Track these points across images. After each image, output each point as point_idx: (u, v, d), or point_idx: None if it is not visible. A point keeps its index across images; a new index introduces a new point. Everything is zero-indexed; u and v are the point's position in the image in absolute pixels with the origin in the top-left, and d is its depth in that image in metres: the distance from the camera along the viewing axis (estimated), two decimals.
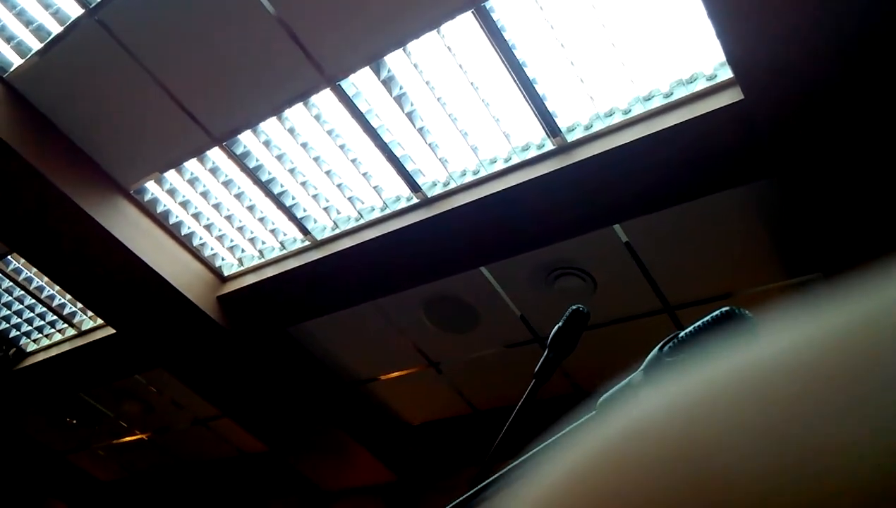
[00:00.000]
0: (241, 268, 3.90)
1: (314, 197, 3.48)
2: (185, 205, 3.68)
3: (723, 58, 2.50)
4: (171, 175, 3.55)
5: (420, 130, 3.08)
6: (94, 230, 3.48)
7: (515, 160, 3.02)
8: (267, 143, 3.31)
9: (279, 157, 3.36)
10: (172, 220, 3.74)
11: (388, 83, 2.95)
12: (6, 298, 4.73)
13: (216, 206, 3.67)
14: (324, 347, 4.19)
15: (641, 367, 0.73)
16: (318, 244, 3.63)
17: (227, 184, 3.53)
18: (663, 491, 0.18)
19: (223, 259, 3.95)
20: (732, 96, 2.51)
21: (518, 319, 3.64)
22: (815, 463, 0.16)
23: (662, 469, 0.18)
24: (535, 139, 2.98)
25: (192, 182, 3.56)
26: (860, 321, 0.18)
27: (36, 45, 3.12)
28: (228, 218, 3.72)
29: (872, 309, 0.18)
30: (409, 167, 3.20)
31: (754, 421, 0.17)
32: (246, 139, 3.32)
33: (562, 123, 2.87)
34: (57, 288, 4.51)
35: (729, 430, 0.18)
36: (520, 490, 0.23)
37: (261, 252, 3.84)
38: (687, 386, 0.20)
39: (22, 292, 4.62)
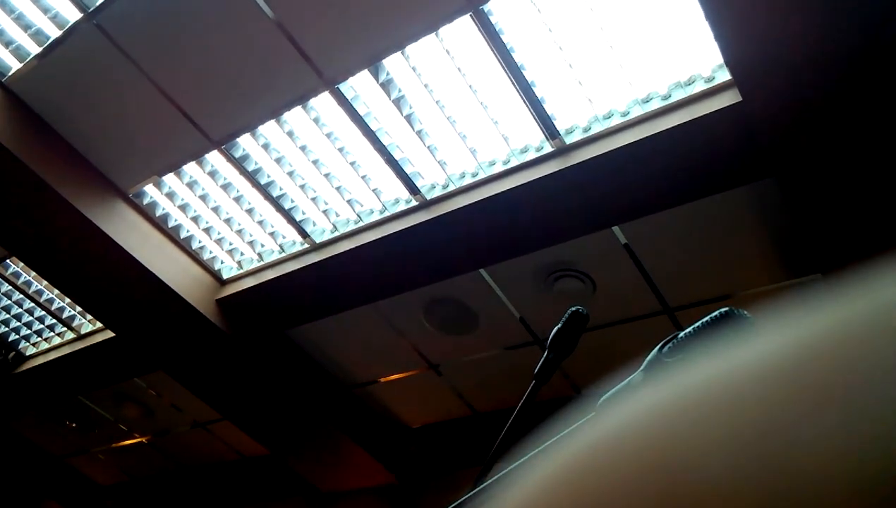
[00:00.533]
0: (241, 271, 3.90)
1: (313, 199, 3.48)
2: (183, 208, 3.68)
3: (721, 60, 2.50)
4: (169, 178, 3.55)
5: (419, 133, 3.08)
6: (93, 233, 3.48)
7: (514, 162, 3.02)
8: (266, 146, 3.31)
9: (278, 160, 3.36)
10: (171, 223, 3.74)
11: (386, 86, 2.95)
12: (5, 302, 4.73)
13: (215, 209, 3.66)
14: (323, 350, 4.19)
15: (641, 368, 0.74)
16: (317, 247, 3.63)
17: (225, 187, 3.53)
18: (660, 493, 0.18)
19: (222, 262, 3.94)
20: (730, 98, 2.52)
21: (518, 321, 3.64)
22: (813, 466, 0.16)
23: (659, 472, 0.18)
24: (533, 141, 2.98)
25: (191, 185, 3.56)
26: (858, 323, 0.18)
27: (35, 49, 3.12)
28: (227, 221, 3.72)
29: (871, 311, 0.18)
30: (408, 169, 3.20)
31: (751, 424, 0.17)
32: (245, 142, 3.32)
33: (560, 126, 2.88)
34: (56, 291, 4.51)
35: (726, 433, 0.18)
36: (515, 491, 0.23)
37: (260, 255, 3.84)
38: (684, 388, 0.20)
39: (21, 296, 4.62)
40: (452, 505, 0.87)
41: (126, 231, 3.57)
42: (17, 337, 4.94)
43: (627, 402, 0.22)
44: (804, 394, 0.17)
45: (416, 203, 3.29)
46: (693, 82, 2.65)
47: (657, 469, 0.18)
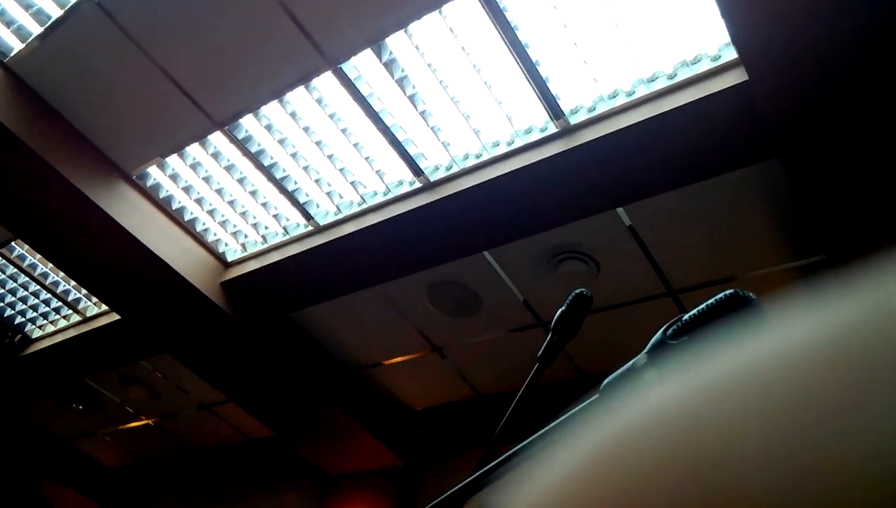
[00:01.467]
0: (245, 254, 3.91)
1: (316, 181, 3.47)
2: (187, 190, 3.67)
3: (727, 38, 2.48)
4: (173, 160, 3.55)
5: (422, 114, 3.06)
6: (97, 216, 3.48)
7: (518, 143, 3.00)
8: (269, 127, 3.30)
9: (281, 142, 3.35)
10: (175, 206, 3.74)
11: (389, 66, 2.93)
12: (11, 285, 4.75)
13: (218, 191, 3.66)
14: (327, 332, 4.20)
15: (645, 350, 0.73)
16: (320, 229, 3.63)
17: (229, 168, 3.53)
18: (668, 488, 0.18)
19: (226, 244, 3.95)
20: (737, 77, 2.49)
21: (521, 303, 3.64)
22: (825, 461, 0.15)
23: (668, 466, 0.18)
24: (538, 122, 2.96)
25: (195, 167, 3.56)
26: (869, 311, 0.18)
27: (36, 29, 3.11)
28: (231, 203, 3.72)
29: (881, 299, 0.18)
30: (412, 151, 3.19)
31: (761, 417, 0.17)
32: (248, 123, 3.31)
33: (565, 106, 2.86)
34: (61, 274, 4.53)
35: (735, 426, 0.17)
36: (523, 484, 0.22)
37: (264, 237, 3.84)
38: (692, 379, 0.20)
39: (26, 278, 4.63)
40: (457, 487, 0.87)
41: (129, 213, 3.58)
42: (23, 319, 4.96)
43: (633, 394, 0.21)
44: (813, 389, 0.17)
45: (420, 184, 3.28)
46: (699, 61, 2.62)
47: (663, 465, 0.18)
